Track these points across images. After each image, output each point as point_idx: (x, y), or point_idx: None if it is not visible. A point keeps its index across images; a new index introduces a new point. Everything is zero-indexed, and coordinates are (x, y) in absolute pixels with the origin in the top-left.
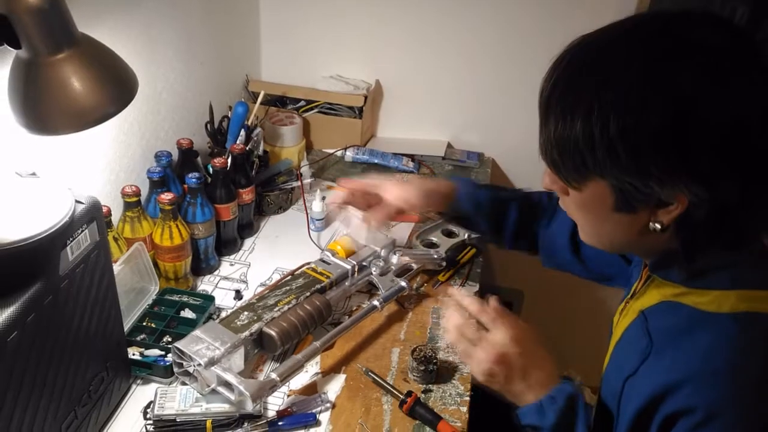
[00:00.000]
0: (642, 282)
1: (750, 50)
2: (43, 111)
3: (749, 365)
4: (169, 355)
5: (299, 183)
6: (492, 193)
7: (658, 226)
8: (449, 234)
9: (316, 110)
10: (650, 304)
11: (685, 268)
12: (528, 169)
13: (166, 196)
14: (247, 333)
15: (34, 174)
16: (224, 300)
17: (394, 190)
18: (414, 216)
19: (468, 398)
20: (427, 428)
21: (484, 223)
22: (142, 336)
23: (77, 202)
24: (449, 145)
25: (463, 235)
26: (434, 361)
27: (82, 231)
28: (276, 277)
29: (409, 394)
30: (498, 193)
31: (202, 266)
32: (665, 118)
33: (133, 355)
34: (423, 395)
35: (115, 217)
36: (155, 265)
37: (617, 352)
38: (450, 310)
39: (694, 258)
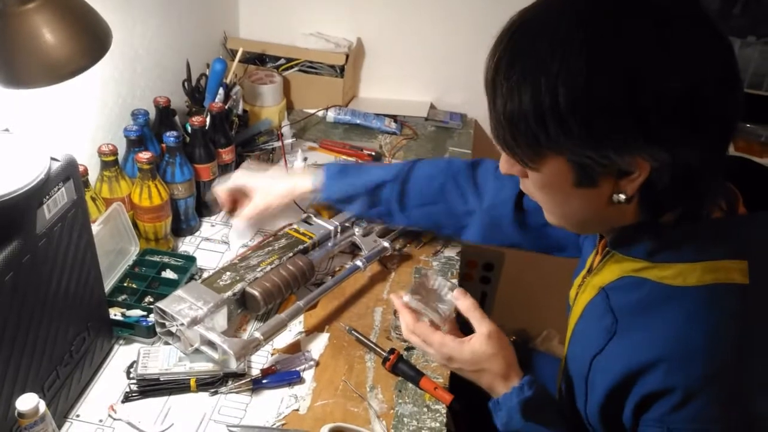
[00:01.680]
0: (599, 257)
1: (697, 15)
2: (13, 63)
3: (723, 341)
4: (151, 315)
5: (280, 143)
6: (363, 176)
7: (622, 197)
8: None
9: (296, 69)
10: (610, 280)
11: (650, 242)
12: None
13: (144, 155)
14: (230, 293)
15: (7, 130)
16: (206, 261)
17: (260, 193)
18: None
19: None
20: (410, 384)
21: (362, 208)
22: (123, 297)
23: (53, 159)
24: (432, 106)
25: None
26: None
27: (59, 189)
28: (258, 238)
29: (392, 351)
30: (372, 175)
31: (182, 227)
32: (613, 86)
33: (115, 315)
34: (405, 353)
35: (93, 177)
36: (135, 225)
37: (579, 330)
38: (400, 312)
39: (659, 229)
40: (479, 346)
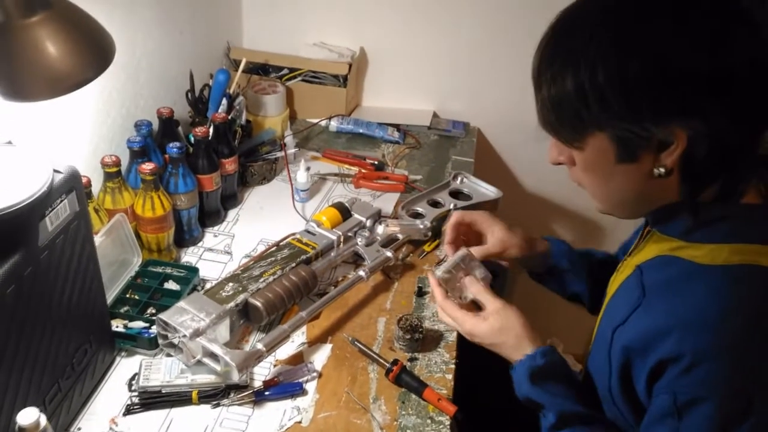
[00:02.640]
0: (640, 239)
1: (716, 2)
2: (18, 76)
3: (738, 315)
4: (154, 327)
5: (283, 153)
6: (585, 252)
7: (662, 170)
8: (434, 204)
9: (299, 79)
10: (646, 258)
11: (689, 217)
12: (513, 139)
13: (147, 166)
14: (232, 304)
15: (10, 143)
16: (209, 272)
17: (498, 233)
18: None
19: (453, 366)
20: (413, 395)
21: (578, 280)
22: (125, 308)
23: (56, 171)
24: (435, 115)
25: (449, 205)
26: (420, 329)
27: (62, 201)
28: (261, 248)
29: (395, 362)
30: (592, 253)
31: (185, 238)
32: (644, 66)
33: (117, 327)
34: (409, 363)
35: (96, 188)
36: (137, 236)
37: (610, 307)
38: (433, 288)
39: (696, 208)
40: (491, 322)
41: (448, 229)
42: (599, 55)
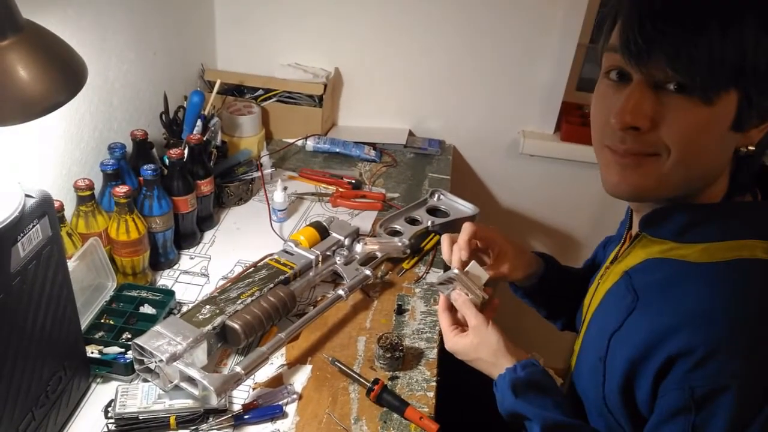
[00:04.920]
0: (625, 246)
1: None
2: None
3: (743, 305)
4: (129, 352)
5: (260, 173)
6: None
7: (752, 147)
8: (413, 221)
9: (274, 99)
10: (634, 263)
11: (681, 221)
12: (487, 156)
13: (121, 189)
14: (209, 327)
15: None
16: (185, 294)
17: (509, 256)
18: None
19: (435, 383)
20: (395, 415)
21: (557, 298)
22: (100, 333)
23: (27, 196)
24: (411, 133)
25: (427, 222)
26: (400, 348)
27: (34, 226)
28: (238, 270)
29: (376, 381)
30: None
31: (161, 260)
32: None
33: (92, 353)
34: (390, 382)
35: (69, 212)
36: (112, 260)
37: (598, 315)
38: (441, 300)
39: (690, 208)
40: (470, 338)
41: (462, 242)
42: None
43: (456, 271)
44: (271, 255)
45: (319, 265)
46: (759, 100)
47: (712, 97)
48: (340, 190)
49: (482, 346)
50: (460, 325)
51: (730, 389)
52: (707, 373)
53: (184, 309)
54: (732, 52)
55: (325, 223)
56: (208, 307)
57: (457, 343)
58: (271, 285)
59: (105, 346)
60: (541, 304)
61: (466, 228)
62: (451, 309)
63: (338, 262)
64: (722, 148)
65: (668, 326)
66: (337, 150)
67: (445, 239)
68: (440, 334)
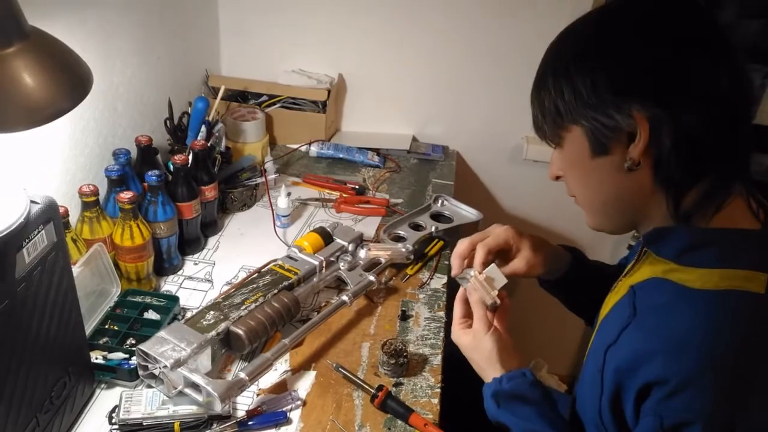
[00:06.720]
0: (636, 261)
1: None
2: None
3: (723, 340)
4: (134, 358)
5: (263, 179)
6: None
7: (631, 162)
8: (416, 227)
9: (278, 105)
10: (641, 279)
11: (679, 242)
12: (491, 161)
13: (126, 195)
14: (213, 333)
15: None
16: (189, 300)
17: (525, 253)
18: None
19: (439, 390)
20: (399, 421)
21: (584, 292)
22: (104, 339)
23: (32, 202)
24: (414, 139)
25: (430, 227)
26: (404, 354)
27: (39, 232)
28: (242, 275)
29: (380, 388)
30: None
31: (165, 266)
32: (609, 55)
33: (96, 359)
34: (394, 389)
35: (73, 218)
36: (116, 266)
37: (603, 327)
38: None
39: (689, 230)
40: (470, 338)
41: (478, 263)
42: (573, 58)
43: (473, 273)
44: (275, 261)
45: (323, 270)
46: (591, 123)
47: (558, 140)
48: (344, 195)
49: (477, 351)
50: (472, 318)
51: (696, 424)
52: (676, 406)
53: (189, 315)
54: (545, 101)
55: (329, 229)
56: (212, 312)
57: (459, 338)
58: (275, 291)
59: (109, 352)
60: (563, 299)
61: (480, 250)
62: (467, 301)
63: (342, 268)
64: (604, 173)
65: (651, 350)
66: (341, 156)
67: (455, 259)
68: (444, 339)
